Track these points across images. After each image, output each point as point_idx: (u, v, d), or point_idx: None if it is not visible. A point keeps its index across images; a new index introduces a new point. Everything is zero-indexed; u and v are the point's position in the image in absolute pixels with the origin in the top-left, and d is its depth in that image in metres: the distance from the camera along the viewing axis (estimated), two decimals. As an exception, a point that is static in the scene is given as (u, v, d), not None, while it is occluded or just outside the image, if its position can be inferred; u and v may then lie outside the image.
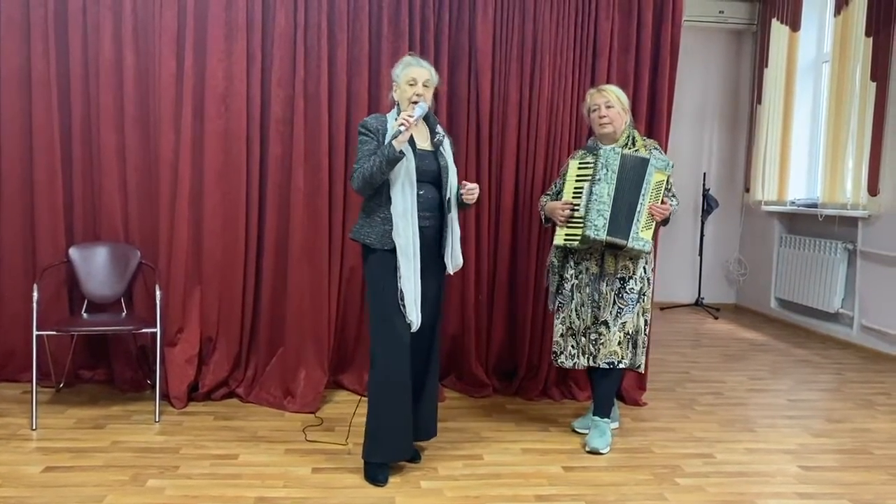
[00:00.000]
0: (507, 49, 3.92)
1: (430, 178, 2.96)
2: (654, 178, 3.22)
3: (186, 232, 3.77)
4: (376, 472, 2.91)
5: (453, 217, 3.01)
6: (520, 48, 3.92)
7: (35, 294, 3.49)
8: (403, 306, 2.88)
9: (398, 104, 3.00)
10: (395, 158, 2.78)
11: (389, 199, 2.87)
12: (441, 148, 3.03)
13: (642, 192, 3.20)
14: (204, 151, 3.75)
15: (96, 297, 3.76)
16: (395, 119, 2.87)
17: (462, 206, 3.07)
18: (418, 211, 2.90)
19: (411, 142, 2.90)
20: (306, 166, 3.76)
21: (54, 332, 3.51)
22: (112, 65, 3.75)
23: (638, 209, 3.20)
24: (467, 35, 3.91)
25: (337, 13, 3.76)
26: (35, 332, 3.43)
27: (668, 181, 3.30)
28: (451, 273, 3.08)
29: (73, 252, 3.76)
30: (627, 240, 3.19)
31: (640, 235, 3.21)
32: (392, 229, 2.86)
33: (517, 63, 3.92)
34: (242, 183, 3.78)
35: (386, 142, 2.84)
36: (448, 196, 2.98)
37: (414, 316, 2.90)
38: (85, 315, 3.77)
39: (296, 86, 3.75)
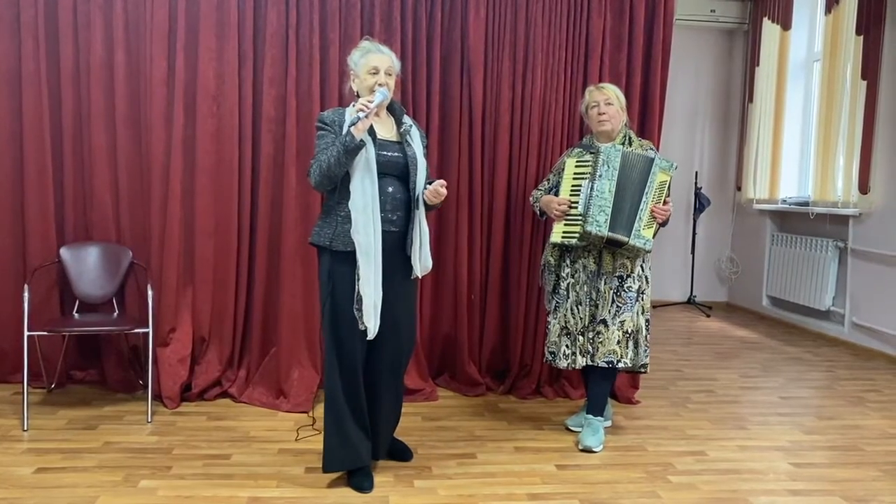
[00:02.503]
0: (500, 47, 3.92)
1: (396, 171, 2.74)
2: (658, 177, 3.21)
3: (178, 231, 3.76)
4: (361, 480, 2.82)
5: (421, 215, 2.78)
6: (512, 46, 3.92)
7: (26, 294, 3.48)
8: (359, 311, 2.67)
9: (357, 96, 2.77)
10: (354, 147, 2.56)
11: (349, 194, 2.65)
12: (408, 138, 2.80)
13: (646, 191, 3.19)
14: (195, 151, 3.74)
15: (88, 298, 3.74)
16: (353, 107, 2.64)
17: (425, 207, 2.81)
18: (384, 211, 2.70)
19: (371, 132, 2.68)
20: (298, 165, 3.75)
21: (46, 333, 3.49)
22: (103, 64, 3.73)
23: (641, 207, 3.19)
24: (459, 33, 3.91)
25: (329, 12, 3.75)
26: (26, 333, 3.41)
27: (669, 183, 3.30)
28: (419, 276, 2.87)
29: (65, 252, 3.74)
30: (629, 237, 3.18)
31: (642, 234, 3.20)
32: (352, 227, 2.65)
33: (509, 61, 3.92)
34: (234, 182, 3.77)
35: (344, 131, 2.62)
36: (417, 193, 2.77)
37: (371, 322, 2.68)
38: (76, 315, 3.76)
39: (288, 85, 3.74)
